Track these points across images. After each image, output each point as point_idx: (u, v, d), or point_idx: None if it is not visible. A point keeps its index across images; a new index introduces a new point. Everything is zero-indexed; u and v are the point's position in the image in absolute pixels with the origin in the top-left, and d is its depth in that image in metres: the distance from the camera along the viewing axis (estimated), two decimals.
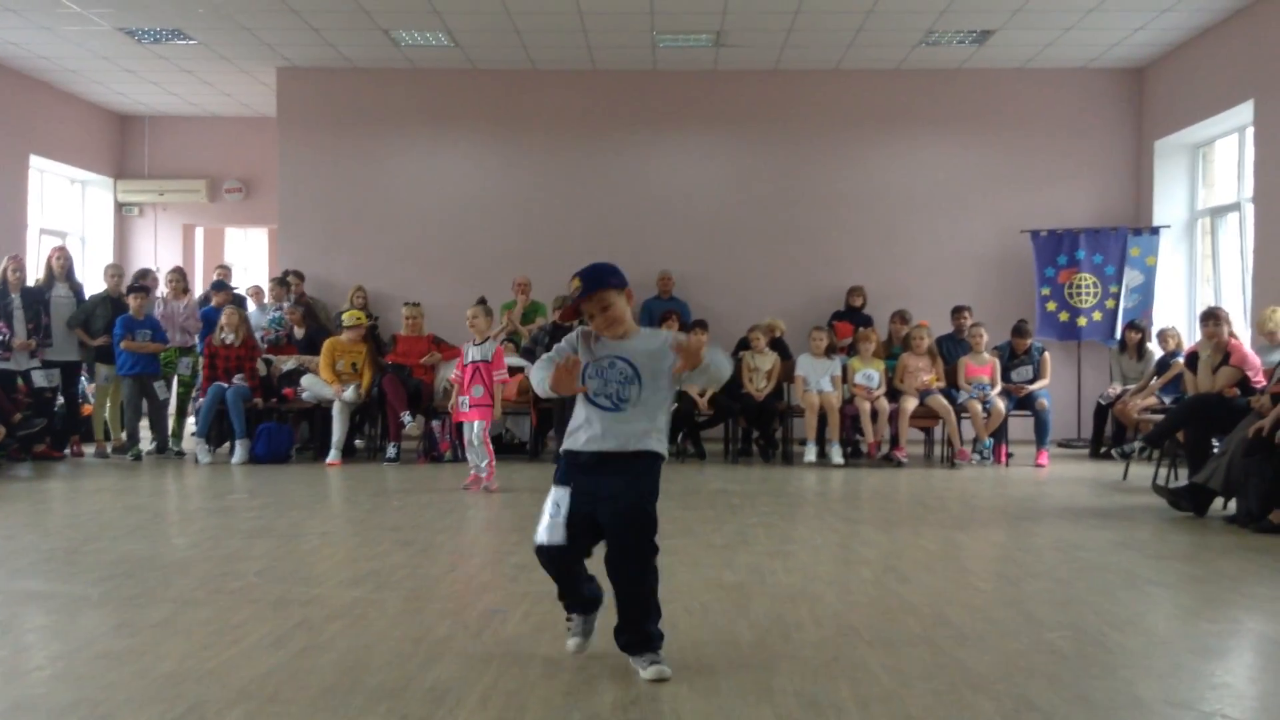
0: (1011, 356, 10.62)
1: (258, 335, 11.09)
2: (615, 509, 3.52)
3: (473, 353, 8.36)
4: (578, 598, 3.72)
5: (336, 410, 10.03)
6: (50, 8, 10.39)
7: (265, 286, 12.63)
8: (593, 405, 3.57)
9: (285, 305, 11.55)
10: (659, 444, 3.62)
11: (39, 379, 10.00)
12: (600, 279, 3.58)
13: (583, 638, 3.77)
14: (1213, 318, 7.92)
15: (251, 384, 10.22)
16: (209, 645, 3.89)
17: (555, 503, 3.57)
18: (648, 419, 3.58)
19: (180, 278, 11.25)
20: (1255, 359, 7.90)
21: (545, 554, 3.60)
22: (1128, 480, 8.97)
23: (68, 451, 10.43)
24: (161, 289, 11.35)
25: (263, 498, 7.77)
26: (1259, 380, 7.65)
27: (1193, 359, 8.28)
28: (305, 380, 10.38)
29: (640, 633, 3.59)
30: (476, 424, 8.14)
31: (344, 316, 10.51)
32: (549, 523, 3.56)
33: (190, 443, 10.55)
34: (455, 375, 8.74)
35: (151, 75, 12.90)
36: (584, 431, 3.59)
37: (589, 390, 3.57)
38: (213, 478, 9.03)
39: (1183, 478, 7.92)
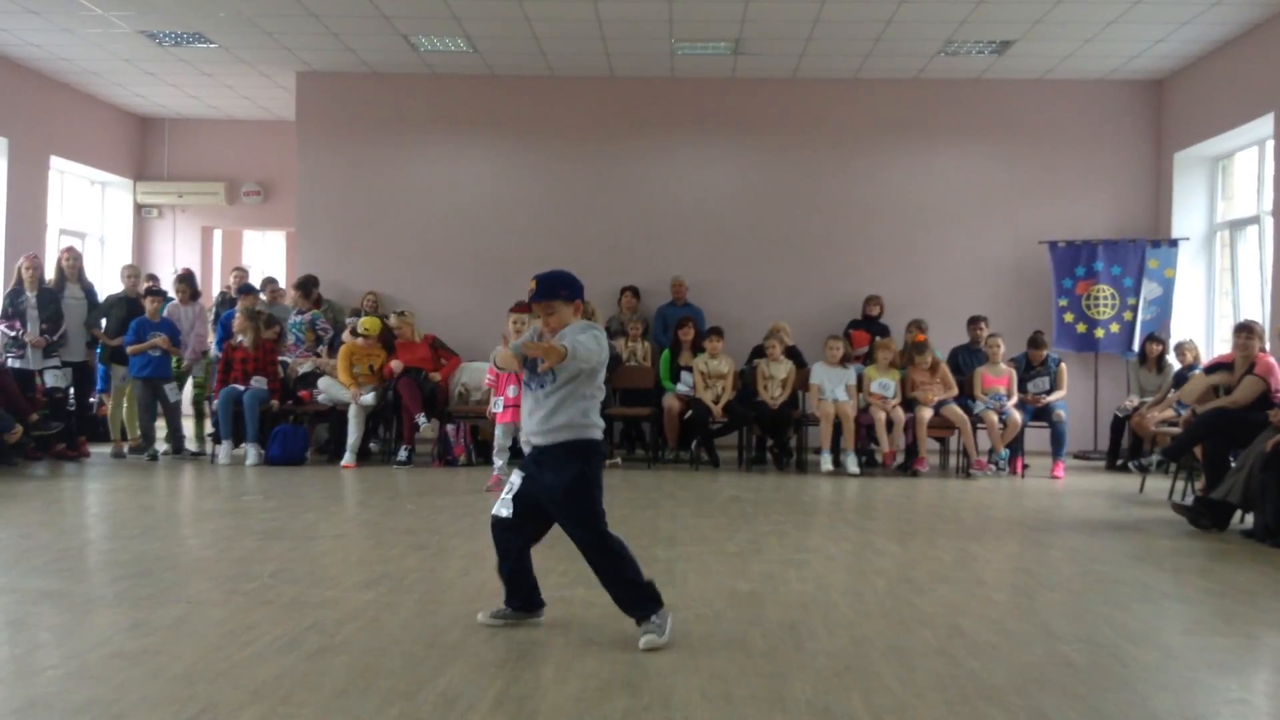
0: (1028, 367, 10.58)
1: (292, 337, 11.14)
2: (548, 498, 4.03)
3: None
4: (511, 580, 4.20)
5: (352, 413, 10.05)
6: (72, 10, 10.46)
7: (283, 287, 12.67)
8: (527, 392, 4.11)
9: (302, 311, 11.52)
10: (583, 431, 4.02)
11: (51, 379, 10.06)
12: (552, 290, 4.04)
13: (495, 617, 4.24)
14: (1245, 330, 7.86)
15: (272, 386, 10.25)
16: (222, 646, 3.90)
17: (510, 483, 4.16)
18: (565, 411, 3.99)
19: (187, 285, 11.24)
20: None
21: (493, 525, 4.18)
22: (1144, 493, 8.93)
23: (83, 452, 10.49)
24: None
25: (277, 499, 7.80)
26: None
27: (1210, 370, 8.23)
28: (323, 383, 10.40)
29: (623, 601, 4.03)
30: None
31: (360, 323, 10.51)
32: (502, 499, 4.16)
33: (206, 444, 10.62)
34: (490, 380, 8.79)
35: (171, 78, 12.97)
36: (525, 425, 4.14)
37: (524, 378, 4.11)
38: (227, 479, 9.06)
39: (1197, 491, 7.89)
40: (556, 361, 3.86)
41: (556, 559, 4.97)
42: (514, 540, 4.16)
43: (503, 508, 4.12)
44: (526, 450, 4.19)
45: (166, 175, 15.05)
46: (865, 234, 12.66)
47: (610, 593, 4.07)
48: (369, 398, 10.05)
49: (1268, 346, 9.13)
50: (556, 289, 4.04)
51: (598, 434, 4.09)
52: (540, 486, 4.04)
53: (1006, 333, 10.87)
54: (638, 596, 4.01)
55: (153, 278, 12.02)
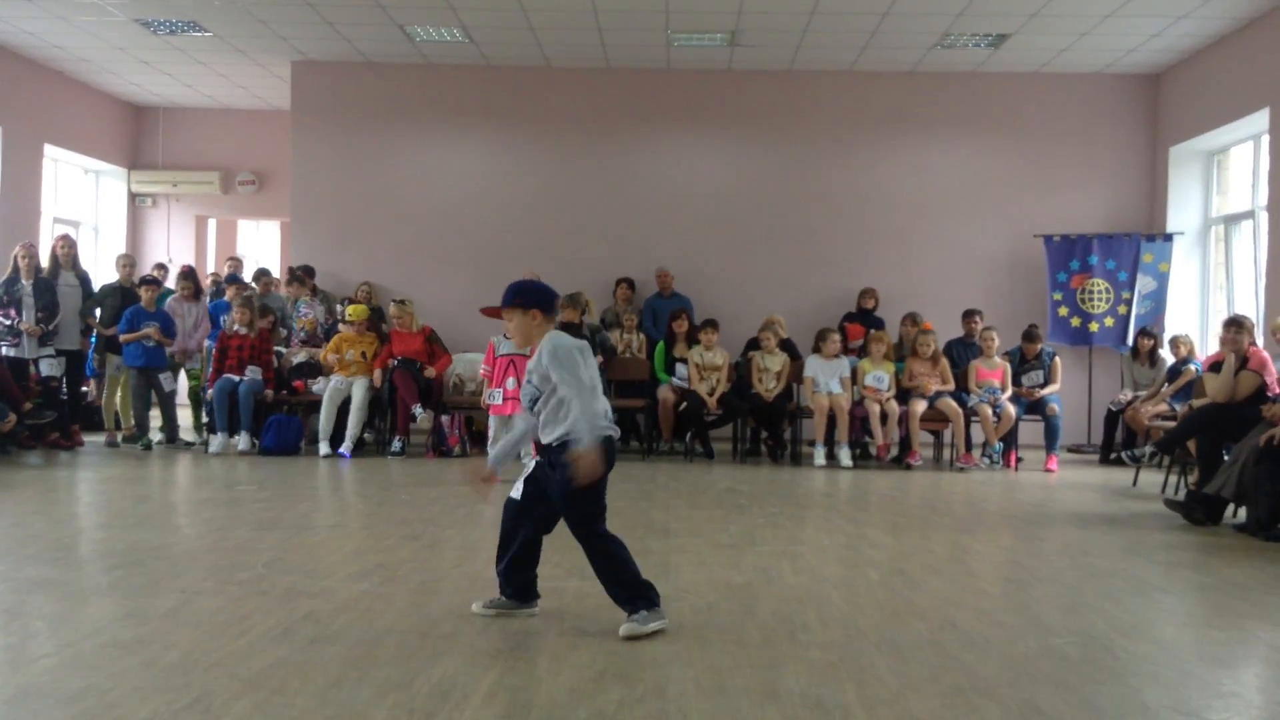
0: (1022, 361, 10.59)
1: (294, 327, 11.15)
2: (553, 488, 4.11)
3: (505, 346, 8.48)
4: (508, 571, 4.23)
5: (355, 403, 9.99)
6: None
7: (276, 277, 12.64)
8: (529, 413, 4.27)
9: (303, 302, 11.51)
10: (575, 431, 4.03)
11: (46, 368, 10.04)
12: (507, 298, 4.23)
13: (489, 606, 4.28)
14: (1235, 324, 7.85)
15: (267, 375, 10.24)
16: (216, 636, 3.90)
17: (525, 465, 4.33)
18: (559, 417, 4.08)
19: (190, 282, 11.18)
20: (1274, 368, 7.83)
21: (504, 508, 4.29)
22: (1137, 487, 8.95)
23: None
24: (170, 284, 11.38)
25: (271, 490, 7.79)
26: (1275, 389, 7.60)
27: (1213, 369, 8.22)
28: (331, 379, 10.27)
29: (616, 598, 4.08)
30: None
31: (348, 311, 10.49)
32: (516, 482, 4.29)
33: (202, 433, 10.62)
34: (485, 370, 8.80)
35: (166, 66, 12.94)
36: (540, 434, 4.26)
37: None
38: (221, 469, 9.05)
39: (1190, 485, 7.90)
40: (590, 466, 3.96)
41: (550, 550, 4.95)
42: (518, 530, 4.21)
43: (515, 490, 4.24)
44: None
45: (161, 164, 15.02)
46: (860, 227, 12.67)
47: (605, 589, 4.12)
48: (360, 388, 10.00)
49: (1259, 342, 9.15)
50: (512, 297, 4.21)
51: (608, 431, 4.13)
52: (548, 475, 4.12)
53: (1001, 326, 10.89)
54: (631, 595, 4.05)
55: (161, 268, 12.03)
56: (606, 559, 4.08)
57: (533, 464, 4.24)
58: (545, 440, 4.13)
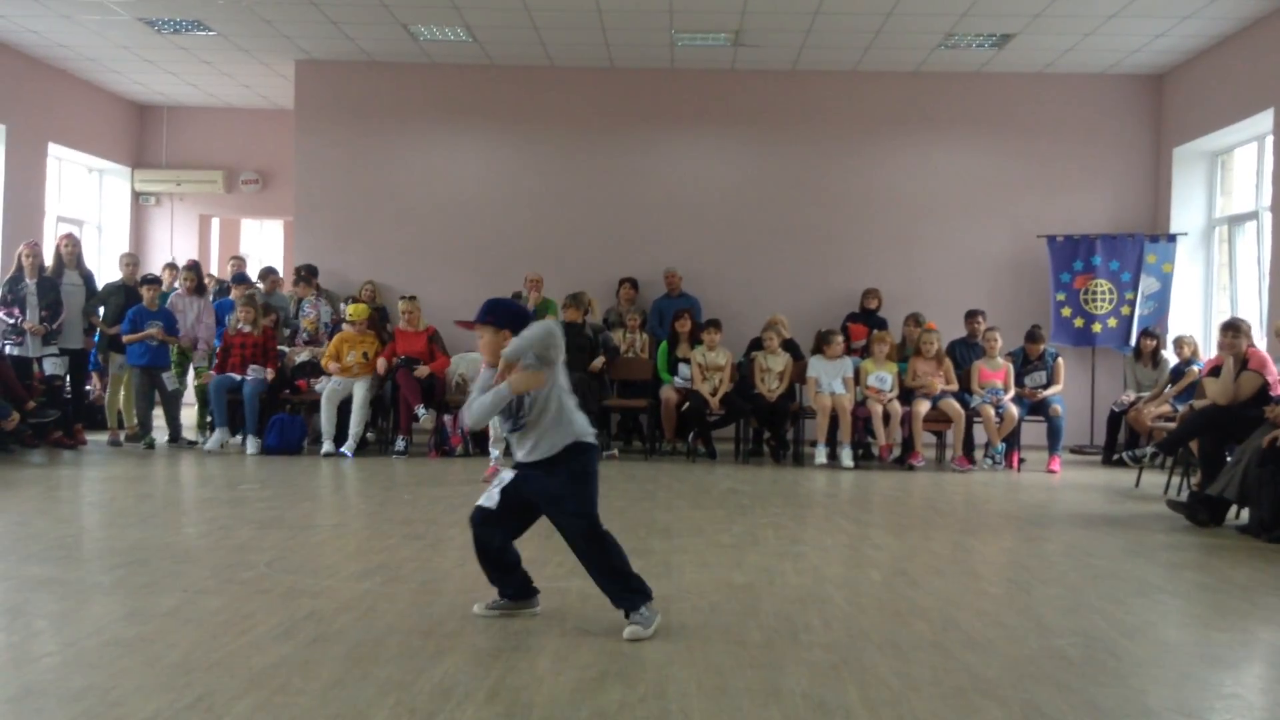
0: (1025, 361, 10.58)
1: (299, 326, 11.18)
2: (543, 492, 4.08)
3: None
4: (499, 573, 4.24)
5: (356, 402, 10.00)
6: None
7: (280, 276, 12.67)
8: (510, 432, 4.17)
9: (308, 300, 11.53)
10: (572, 436, 4.06)
11: (50, 367, 10.06)
12: (481, 314, 4.18)
13: (491, 607, 4.28)
14: (1231, 329, 7.85)
15: (271, 366, 10.25)
16: (219, 635, 3.90)
17: (501, 477, 4.20)
18: (547, 429, 4.05)
19: (194, 275, 11.19)
20: (1275, 369, 7.82)
21: (473, 517, 4.20)
22: (1140, 488, 8.94)
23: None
24: (176, 283, 11.39)
25: (274, 489, 7.80)
26: (1278, 389, 7.59)
27: (1213, 372, 8.22)
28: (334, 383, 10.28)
29: (612, 593, 4.05)
30: None
31: (349, 310, 10.49)
32: (488, 491, 4.19)
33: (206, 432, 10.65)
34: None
35: (170, 65, 12.94)
36: (516, 454, 4.21)
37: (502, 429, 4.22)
38: (224, 468, 9.06)
39: (1193, 487, 7.89)
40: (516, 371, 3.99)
41: (552, 550, 4.97)
42: (492, 535, 4.19)
43: (488, 499, 4.17)
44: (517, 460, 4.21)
45: (164, 163, 15.02)
46: (864, 227, 12.66)
47: (600, 585, 4.10)
48: (362, 387, 10.01)
49: (1264, 344, 9.15)
50: (485, 315, 4.18)
51: (589, 437, 4.11)
52: (534, 483, 4.09)
53: (1004, 327, 10.87)
54: (626, 588, 4.04)
55: (171, 269, 12.06)
56: (605, 550, 4.05)
57: (510, 476, 4.18)
58: (539, 457, 4.07)
